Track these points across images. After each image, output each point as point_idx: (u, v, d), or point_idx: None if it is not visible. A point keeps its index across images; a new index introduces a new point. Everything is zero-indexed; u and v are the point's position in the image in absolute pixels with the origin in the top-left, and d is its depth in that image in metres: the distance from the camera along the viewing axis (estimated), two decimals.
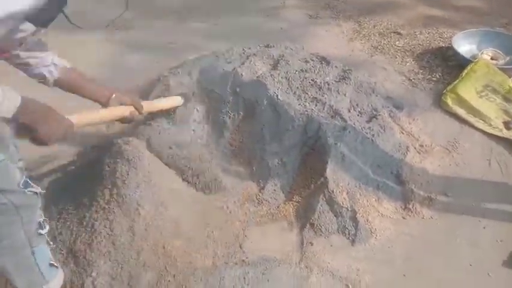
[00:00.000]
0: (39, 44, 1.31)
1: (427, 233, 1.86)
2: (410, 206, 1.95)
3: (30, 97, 1.12)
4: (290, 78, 2.33)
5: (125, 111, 1.56)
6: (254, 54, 2.59)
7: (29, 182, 1.20)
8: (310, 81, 2.34)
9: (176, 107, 2.04)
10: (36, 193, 1.21)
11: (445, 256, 1.79)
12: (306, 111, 2.16)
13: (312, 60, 2.65)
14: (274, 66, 2.50)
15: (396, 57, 3.15)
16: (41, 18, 1.06)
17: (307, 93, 2.26)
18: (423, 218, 1.93)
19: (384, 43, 3.34)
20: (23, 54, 1.28)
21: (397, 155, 2.14)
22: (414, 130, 2.40)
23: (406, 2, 3.98)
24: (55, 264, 1.35)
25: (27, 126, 1.10)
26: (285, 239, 1.80)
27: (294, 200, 1.93)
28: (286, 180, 1.99)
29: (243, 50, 2.68)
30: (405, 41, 3.36)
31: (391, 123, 2.32)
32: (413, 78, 2.91)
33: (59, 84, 1.42)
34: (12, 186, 1.14)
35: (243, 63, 2.42)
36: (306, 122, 2.10)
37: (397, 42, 3.34)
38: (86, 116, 1.40)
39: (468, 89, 2.65)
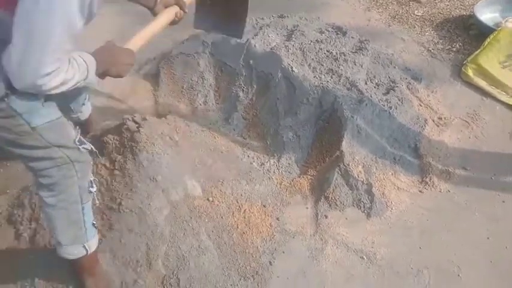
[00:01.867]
0: None
1: (444, 207, 1.84)
2: (428, 180, 1.92)
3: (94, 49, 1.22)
4: (305, 50, 2.28)
5: (171, 14, 1.56)
6: (267, 25, 2.53)
7: (83, 139, 1.26)
8: (326, 52, 2.28)
9: None
10: (89, 150, 1.27)
11: (462, 230, 1.77)
12: (321, 83, 2.11)
13: (328, 30, 2.58)
14: (289, 38, 2.44)
15: (415, 27, 3.04)
16: None
17: (322, 65, 2.21)
18: (440, 191, 1.90)
19: (402, 12, 3.21)
20: None
21: (415, 128, 2.09)
22: (433, 102, 2.34)
23: None
24: (95, 225, 1.39)
25: (103, 72, 1.24)
26: (299, 212, 1.80)
27: (309, 174, 1.91)
28: (300, 154, 1.97)
29: (256, 20, 2.62)
30: (424, 9, 3.22)
31: (409, 95, 2.26)
32: (433, 49, 2.81)
33: None
34: (68, 142, 1.20)
35: (256, 35, 2.36)
36: (321, 94, 2.06)
37: (416, 11, 3.21)
38: (139, 38, 1.46)
39: (490, 59, 2.55)
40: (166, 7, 1.55)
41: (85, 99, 1.90)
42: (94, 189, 1.33)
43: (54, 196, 1.25)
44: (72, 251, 1.35)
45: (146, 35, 1.50)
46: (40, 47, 0.97)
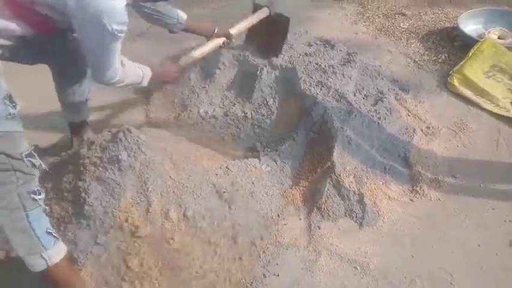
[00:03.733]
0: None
1: (434, 215, 1.86)
2: (418, 189, 1.94)
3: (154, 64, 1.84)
4: (294, 63, 2.31)
5: (219, 42, 2.11)
6: None
7: (34, 154, 1.33)
8: (315, 65, 2.32)
9: (266, 18, 2.28)
10: (34, 165, 1.33)
11: (453, 238, 1.79)
12: (311, 95, 2.14)
13: (316, 43, 2.63)
14: None
15: (401, 39, 3.10)
16: None
17: (311, 78, 2.24)
18: (431, 200, 1.92)
19: (388, 25, 3.29)
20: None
21: (404, 138, 2.13)
22: (421, 112, 2.38)
23: None
24: (53, 233, 1.39)
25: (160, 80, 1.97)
26: (292, 224, 1.80)
27: (301, 185, 1.93)
28: (292, 166, 1.99)
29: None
30: (410, 22, 3.30)
31: (398, 106, 2.31)
32: (419, 60, 2.88)
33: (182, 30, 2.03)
34: (15, 153, 1.28)
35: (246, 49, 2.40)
36: (311, 106, 2.09)
37: (401, 24, 3.29)
38: (190, 58, 2.00)
39: (475, 69, 2.62)
40: (218, 37, 2.11)
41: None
42: (40, 197, 1.35)
43: None
44: (31, 262, 1.36)
45: (197, 54, 2.03)
46: (100, 65, 1.49)
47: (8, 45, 1.38)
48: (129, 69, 1.60)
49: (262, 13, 2.26)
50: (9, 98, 1.25)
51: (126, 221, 1.53)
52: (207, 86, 2.34)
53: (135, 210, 1.54)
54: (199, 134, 2.15)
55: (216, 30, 2.10)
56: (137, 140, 1.60)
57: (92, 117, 2.21)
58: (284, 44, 2.30)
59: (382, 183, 1.92)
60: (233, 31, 2.15)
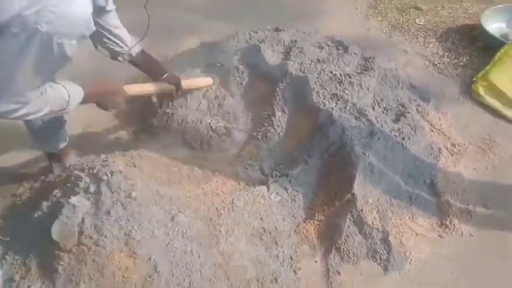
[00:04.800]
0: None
1: (467, 255, 1.64)
2: (448, 222, 1.72)
3: (91, 79, 1.42)
4: (306, 71, 2.04)
5: (168, 89, 1.80)
6: (262, 41, 2.28)
7: None
8: (329, 73, 2.05)
9: (207, 86, 2.06)
10: None
11: (488, 282, 1.57)
12: (326, 110, 1.88)
13: (327, 45, 2.35)
14: (286, 55, 2.20)
15: (418, 38, 2.83)
16: None
17: (325, 89, 1.97)
18: (462, 235, 1.70)
19: (402, 20, 3.01)
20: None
21: (430, 160, 1.89)
22: (444, 127, 2.14)
23: None
24: None
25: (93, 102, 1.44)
26: (307, 267, 1.57)
27: (316, 218, 1.68)
28: (306, 194, 1.74)
29: (250, 34, 2.37)
30: (426, 17, 3.02)
31: (421, 120, 2.06)
32: (438, 63, 2.62)
33: (128, 62, 1.68)
34: None
35: (247, 54, 2.12)
36: (326, 124, 1.83)
37: (417, 20, 3.01)
38: (139, 87, 1.71)
39: (502, 76, 2.36)
40: (169, 83, 1.80)
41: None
42: None
43: None
44: None
45: (146, 88, 1.75)
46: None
47: None
48: (49, 96, 1.19)
49: (207, 81, 2.05)
50: None
51: None
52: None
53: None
54: (194, 154, 1.89)
55: (166, 76, 1.78)
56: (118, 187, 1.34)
57: (74, 134, 1.92)
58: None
59: (409, 218, 1.68)
60: (183, 85, 1.88)
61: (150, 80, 1.79)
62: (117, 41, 1.55)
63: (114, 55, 1.61)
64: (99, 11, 1.38)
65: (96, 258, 1.30)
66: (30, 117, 1.19)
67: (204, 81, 2.05)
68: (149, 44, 2.72)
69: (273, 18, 2.85)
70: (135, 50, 1.66)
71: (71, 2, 1.05)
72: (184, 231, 1.40)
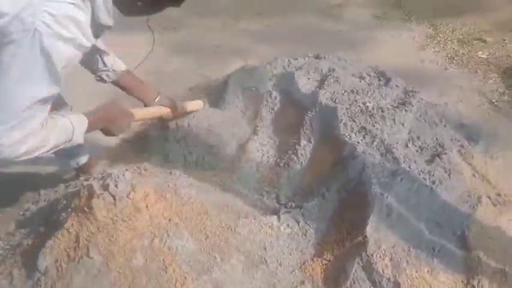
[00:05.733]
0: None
1: None
2: (475, 282, 1.51)
3: (95, 107, 1.44)
4: (336, 101, 1.97)
5: (164, 111, 1.81)
6: (300, 68, 2.26)
7: None
8: (361, 105, 1.96)
9: (197, 110, 2.07)
10: None
11: None
12: (351, 143, 1.79)
13: (369, 75, 2.26)
14: (321, 83, 2.15)
15: (477, 72, 2.62)
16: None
17: (354, 121, 1.89)
18: None
19: (462, 52, 2.80)
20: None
21: (464, 208, 1.70)
22: (491, 173, 1.92)
23: (494, 1, 3.32)
24: None
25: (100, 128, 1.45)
26: None
27: (325, 257, 1.59)
28: (317, 230, 1.66)
29: (288, 61, 2.36)
30: (490, 51, 2.79)
31: (461, 163, 1.87)
32: (496, 101, 2.39)
33: (114, 83, 1.66)
34: None
35: (282, 80, 2.11)
36: (348, 158, 1.74)
37: (479, 52, 2.78)
38: (146, 111, 1.75)
39: None
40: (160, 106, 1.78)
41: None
42: None
43: None
44: None
45: (152, 111, 1.78)
46: None
47: None
48: (52, 127, 1.17)
49: (198, 105, 2.06)
50: None
51: None
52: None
53: None
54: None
55: (157, 99, 1.76)
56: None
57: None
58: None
59: (427, 271, 1.52)
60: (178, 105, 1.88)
61: (141, 104, 1.78)
62: (97, 57, 1.52)
63: (96, 72, 1.58)
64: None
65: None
66: (36, 154, 1.15)
67: (196, 104, 2.06)
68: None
69: (322, 45, 2.83)
70: (120, 68, 1.61)
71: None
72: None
